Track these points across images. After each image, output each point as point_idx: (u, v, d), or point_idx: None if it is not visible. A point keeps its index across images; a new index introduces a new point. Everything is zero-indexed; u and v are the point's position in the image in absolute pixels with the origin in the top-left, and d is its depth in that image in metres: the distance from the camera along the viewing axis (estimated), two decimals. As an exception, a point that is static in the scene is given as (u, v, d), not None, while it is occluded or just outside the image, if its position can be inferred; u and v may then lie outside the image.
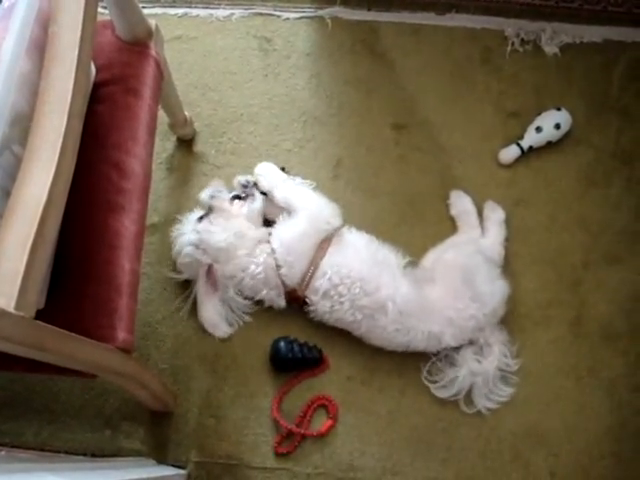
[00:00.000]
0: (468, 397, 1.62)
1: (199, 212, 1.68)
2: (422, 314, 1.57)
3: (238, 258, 1.60)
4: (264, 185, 1.69)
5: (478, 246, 1.68)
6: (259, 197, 1.69)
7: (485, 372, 1.60)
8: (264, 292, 1.62)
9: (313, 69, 1.96)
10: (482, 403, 1.62)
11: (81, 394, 1.65)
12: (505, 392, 1.63)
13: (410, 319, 1.56)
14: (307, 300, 1.60)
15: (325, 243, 1.60)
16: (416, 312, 1.56)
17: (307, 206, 1.63)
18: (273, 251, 1.59)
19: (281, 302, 1.64)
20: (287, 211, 1.64)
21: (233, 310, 1.67)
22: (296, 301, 1.63)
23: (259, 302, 1.67)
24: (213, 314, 1.65)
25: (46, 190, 0.89)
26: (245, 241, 1.61)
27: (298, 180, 1.74)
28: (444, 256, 1.65)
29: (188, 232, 1.63)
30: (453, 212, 1.79)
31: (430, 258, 1.70)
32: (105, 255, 1.19)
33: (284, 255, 1.58)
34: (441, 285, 1.60)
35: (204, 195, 1.68)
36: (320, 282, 1.56)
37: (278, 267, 1.58)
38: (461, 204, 1.78)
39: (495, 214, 1.75)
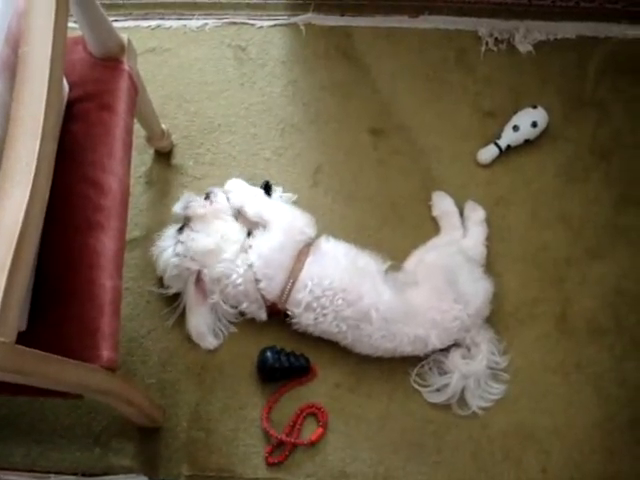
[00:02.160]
0: (461, 399, 1.62)
1: (175, 226, 1.67)
2: (407, 318, 1.57)
3: (224, 261, 1.59)
4: (235, 201, 1.68)
5: (459, 247, 1.68)
6: (219, 193, 1.68)
7: (475, 373, 1.60)
8: (245, 305, 1.62)
9: (289, 76, 1.95)
10: (476, 403, 1.61)
11: (69, 413, 1.64)
12: (497, 389, 1.63)
13: (395, 324, 1.56)
14: (289, 313, 1.60)
15: (303, 254, 1.60)
16: (401, 317, 1.56)
17: (279, 218, 1.63)
18: (251, 265, 1.58)
19: (262, 315, 1.63)
20: (261, 225, 1.63)
21: (220, 319, 1.66)
22: (277, 315, 1.63)
23: (243, 313, 1.66)
24: (201, 324, 1.64)
25: (22, 213, 0.88)
26: (229, 242, 1.61)
27: (279, 192, 1.74)
28: (426, 258, 1.66)
29: (170, 246, 1.63)
30: (435, 213, 1.79)
31: (413, 260, 1.70)
32: (85, 274, 1.18)
33: (262, 268, 1.57)
34: (424, 287, 1.60)
35: (177, 208, 1.68)
36: (301, 295, 1.56)
37: (257, 281, 1.58)
38: (443, 205, 1.78)
39: (475, 214, 1.75)
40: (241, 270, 1.58)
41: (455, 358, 1.61)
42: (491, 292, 1.64)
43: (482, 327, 1.64)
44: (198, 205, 1.65)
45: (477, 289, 1.61)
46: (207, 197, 1.67)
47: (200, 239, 1.60)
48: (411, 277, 1.64)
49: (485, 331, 1.64)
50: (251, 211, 1.65)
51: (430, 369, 1.63)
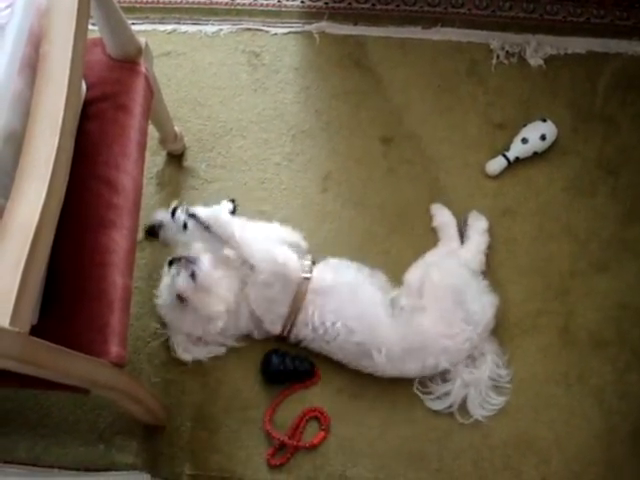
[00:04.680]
0: (463, 407, 1.63)
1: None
2: (415, 353, 1.57)
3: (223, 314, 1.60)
4: (221, 235, 1.56)
5: (460, 259, 1.69)
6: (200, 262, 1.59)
7: (478, 382, 1.61)
8: (255, 333, 1.65)
9: (302, 83, 1.97)
10: (478, 412, 1.62)
11: (74, 409, 1.65)
12: (498, 401, 1.63)
13: (401, 362, 1.57)
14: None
15: (304, 286, 1.59)
16: (407, 354, 1.57)
17: (269, 262, 1.56)
18: (253, 310, 1.60)
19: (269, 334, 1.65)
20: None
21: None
22: (285, 340, 1.64)
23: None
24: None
25: (39, 208, 0.90)
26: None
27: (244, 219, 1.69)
28: (431, 278, 1.63)
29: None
30: (435, 224, 1.80)
31: (414, 273, 1.69)
32: (97, 271, 1.20)
33: (263, 313, 1.59)
34: (432, 313, 1.59)
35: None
36: (304, 332, 1.60)
37: (261, 321, 1.61)
38: (441, 216, 1.79)
39: (479, 223, 1.76)
40: (245, 314, 1.61)
41: (458, 366, 1.62)
42: (497, 305, 1.65)
43: (487, 339, 1.65)
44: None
45: (484, 305, 1.62)
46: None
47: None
48: (417, 301, 1.62)
49: (490, 343, 1.65)
50: (236, 252, 1.58)
51: (433, 376, 1.64)
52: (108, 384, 1.22)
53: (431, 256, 1.73)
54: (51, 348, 0.98)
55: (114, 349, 1.18)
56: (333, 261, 1.67)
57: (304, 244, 1.70)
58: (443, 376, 1.63)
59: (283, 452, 1.61)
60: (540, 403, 1.66)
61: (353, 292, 1.60)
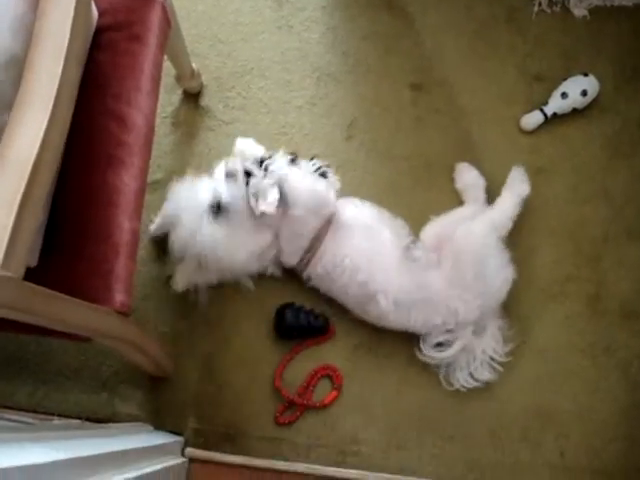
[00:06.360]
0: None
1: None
2: (422, 305, 1.50)
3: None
4: (276, 174, 1.49)
5: (492, 223, 1.56)
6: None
7: (472, 352, 1.55)
8: (270, 268, 1.60)
9: (329, 23, 1.87)
10: (460, 381, 1.56)
11: (77, 355, 1.60)
12: (485, 377, 1.56)
13: (407, 309, 1.50)
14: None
15: (325, 227, 1.52)
16: (415, 303, 1.50)
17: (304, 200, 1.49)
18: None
19: (277, 272, 1.60)
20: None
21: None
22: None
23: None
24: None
25: (38, 141, 0.82)
26: None
27: (313, 162, 1.57)
28: (456, 239, 1.53)
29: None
30: (458, 185, 1.71)
31: (430, 231, 1.62)
32: (102, 212, 1.12)
33: (286, 244, 1.53)
34: (448, 273, 1.51)
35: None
36: (316, 268, 1.53)
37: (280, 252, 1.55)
38: (468, 178, 1.69)
39: (521, 187, 1.63)
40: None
41: (464, 329, 1.54)
42: (512, 279, 1.55)
43: (495, 312, 1.57)
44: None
45: (502, 279, 1.54)
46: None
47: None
48: (434, 257, 1.55)
49: (495, 317, 1.58)
50: (288, 189, 1.49)
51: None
52: (111, 333, 1.15)
53: (452, 216, 1.64)
54: (48, 295, 0.91)
55: (118, 297, 1.11)
56: (355, 200, 1.60)
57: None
58: (446, 333, 1.55)
59: (292, 410, 1.56)
60: (563, 373, 1.60)
61: (368, 231, 1.54)
